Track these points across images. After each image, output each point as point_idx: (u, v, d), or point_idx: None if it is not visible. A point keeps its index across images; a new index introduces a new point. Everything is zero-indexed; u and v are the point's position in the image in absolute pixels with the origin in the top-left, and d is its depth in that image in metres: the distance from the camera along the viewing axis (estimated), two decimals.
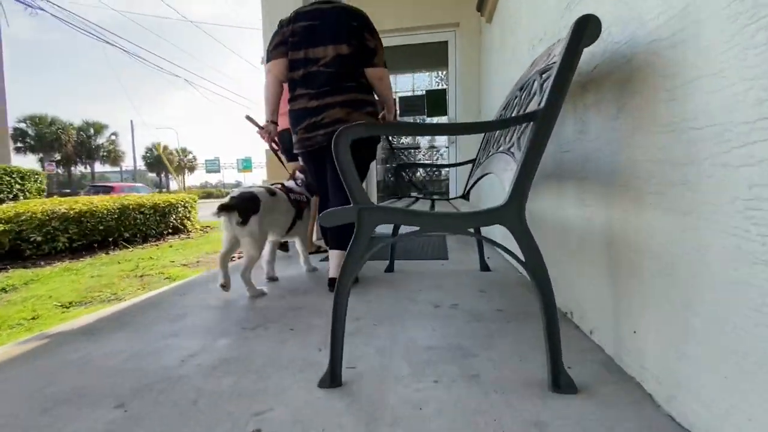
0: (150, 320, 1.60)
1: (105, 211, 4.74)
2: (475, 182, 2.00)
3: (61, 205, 4.54)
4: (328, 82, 1.83)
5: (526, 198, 0.89)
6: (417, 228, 0.94)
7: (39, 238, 4.16)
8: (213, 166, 56.33)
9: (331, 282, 1.94)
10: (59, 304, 2.21)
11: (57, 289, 2.60)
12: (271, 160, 4.07)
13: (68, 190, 25.18)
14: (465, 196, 2.20)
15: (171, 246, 4.75)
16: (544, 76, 1.09)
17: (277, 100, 1.96)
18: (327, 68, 1.83)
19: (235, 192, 1.86)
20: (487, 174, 1.62)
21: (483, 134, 2.03)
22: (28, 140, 32.40)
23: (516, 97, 1.53)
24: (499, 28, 2.80)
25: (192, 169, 53.40)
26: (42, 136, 32.49)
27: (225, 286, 1.85)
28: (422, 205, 1.77)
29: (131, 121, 38.47)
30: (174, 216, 5.95)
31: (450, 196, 3.89)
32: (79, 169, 39.65)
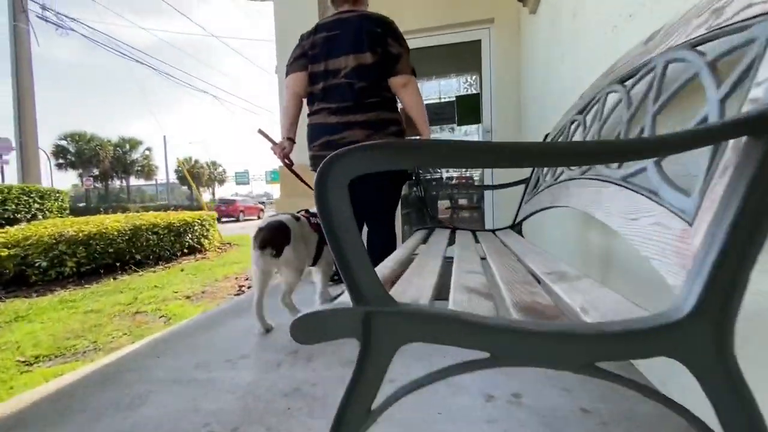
0: (99, 406, 1.19)
1: (116, 233, 4.50)
2: (533, 213, 1.51)
3: (70, 226, 4.34)
4: (350, 97, 1.66)
5: (735, 301, 0.41)
6: (485, 355, 0.47)
7: (45, 264, 3.94)
8: (242, 178, 57.68)
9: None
10: (23, 360, 1.85)
11: (35, 333, 2.27)
12: (285, 176, 3.71)
13: (105, 205, 26.12)
14: (516, 226, 1.71)
15: (182, 270, 4.45)
16: (712, 52, 0.60)
17: (294, 116, 1.82)
18: (347, 79, 1.66)
19: (262, 223, 1.74)
20: (558, 207, 1.13)
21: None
22: (69, 157, 34.07)
23: (597, 100, 1.04)
24: (547, 17, 2.31)
25: (222, 181, 54.82)
26: (81, 152, 34.11)
27: (268, 330, 1.79)
28: (463, 239, 1.30)
29: (164, 137, 39.92)
30: (190, 235, 5.70)
31: (488, 226, 3.38)
32: (116, 184, 41.41)
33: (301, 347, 1.60)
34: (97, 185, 38.11)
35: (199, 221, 5.99)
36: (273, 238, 1.65)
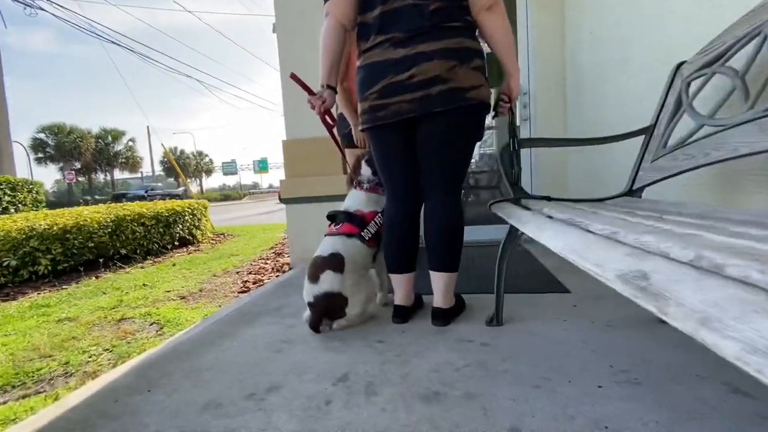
0: None
1: (96, 226, 3.96)
2: (678, 173, 1.05)
3: (43, 219, 3.79)
4: (422, 21, 1.23)
5: None
6: None
7: (14, 262, 3.40)
8: (230, 169, 56.37)
9: (399, 311, 1.52)
10: None
11: None
12: (291, 152, 3.21)
13: (88, 197, 25.13)
14: (633, 192, 1.26)
15: (174, 264, 3.95)
16: None
17: (336, 54, 1.36)
18: (416, 0, 1.23)
19: (317, 256, 1.51)
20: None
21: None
22: (48, 150, 32.69)
23: None
24: None
25: (209, 172, 53.49)
26: (61, 145, 32.70)
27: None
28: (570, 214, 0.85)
29: (147, 127, 38.51)
30: (180, 226, 5.17)
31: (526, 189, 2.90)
32: (100, 177, 40.07)
33: (351, 370, 1.15)
34: (80, 179, 36.80)
35: (189, 210, 5.45)
36: (328, 309, 1.46)
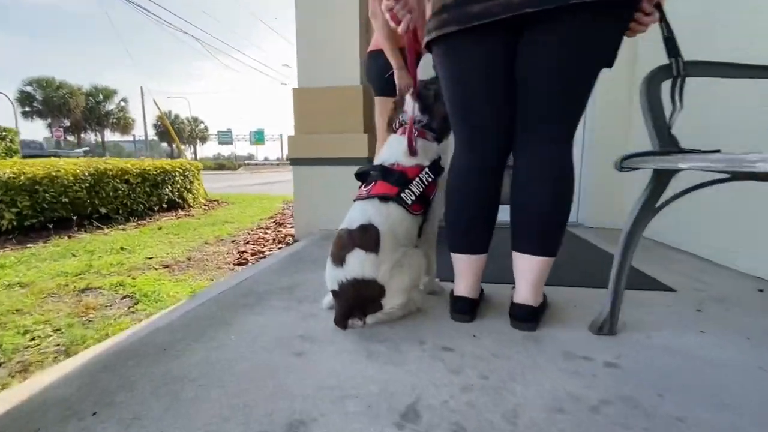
0: None
1: (71, 179, 3.46)
2: None
3: (9, 168, 3.27)
4: None
5: None
6: None
7: None
8: (226, 138, 54.98)
9: (462, 306, 1.10)
10: None
11: None
12: (302, 110, 2.70)
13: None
14: None
15: (161, 228, 3.48)
16: None
17: None
18: None
19: (342, 229, 1.07)
20: None
21: None
22: (36, 105, 31.34)
23: None
24: None
25: (204, 139, 52.15)
26: (49, 100, 31.29)
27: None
28: None
29: (141, 88, 37.11)
30: (170, 187, 4.66)
31: (573, 219, 2.49)
32: (90, 137, 38.75)
33: (418, 398, 0.73)
34: (69, 137, 35.55)
35: (180, 171, 4.94)
36: (359, 301, 1.03)
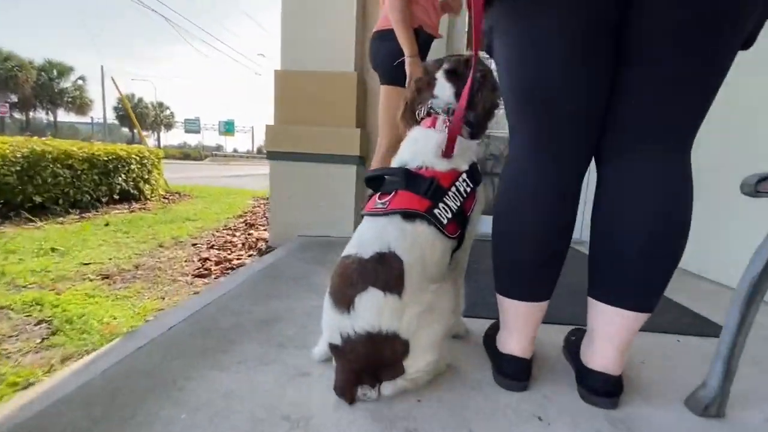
0: None
1: None
2: None
3: None
4: None
5: None
6: None
7: None
8: (193, 126, 52.50)
9: (515, 368, 0.80)
10: None
11: None
12: (283, 96, 2.31)
13: (29, 134, 22.14)
14: None
15: (107, 224, 2.98)
16: None
17: None
18: None
19: (350, 256, 0.76)
20: None
21: None
22: None
23: None
24: None
25: (169, 126, 49.56)
26: None
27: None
28: None
29: (101, 67, 34.72)
30: (124, 176, 4.12)
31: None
32: (41, 116, 35.83)
33: None
34: (15, 115, 32.67)
35: (137, 158, 4.39)
36: (372, 362, 0.72)
